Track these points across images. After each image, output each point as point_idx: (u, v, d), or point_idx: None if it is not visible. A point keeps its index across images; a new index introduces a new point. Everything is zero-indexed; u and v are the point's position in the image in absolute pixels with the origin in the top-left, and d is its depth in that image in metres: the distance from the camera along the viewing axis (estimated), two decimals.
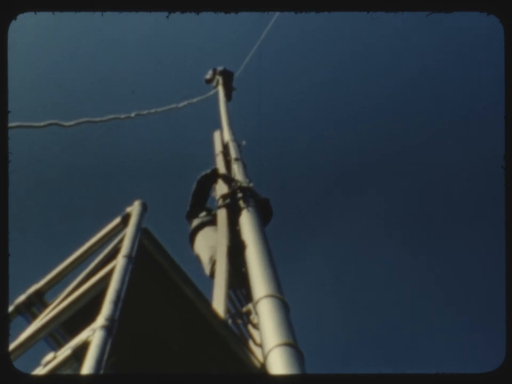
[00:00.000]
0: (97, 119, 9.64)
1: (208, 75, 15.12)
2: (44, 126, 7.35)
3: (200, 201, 8.01)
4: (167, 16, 4.33)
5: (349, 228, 19.52)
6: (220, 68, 15.04)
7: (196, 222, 7.64)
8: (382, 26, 19.43)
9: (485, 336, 16.40)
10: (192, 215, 7.84)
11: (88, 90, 20.53)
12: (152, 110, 11.98)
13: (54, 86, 20.29)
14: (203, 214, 7.73)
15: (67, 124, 8.18)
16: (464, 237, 18.71)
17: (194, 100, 13.96)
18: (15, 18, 3.89)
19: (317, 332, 15.41)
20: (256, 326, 5.22)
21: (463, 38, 20.32)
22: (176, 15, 4.34)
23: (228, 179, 8.16)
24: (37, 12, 4.00)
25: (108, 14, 4.22)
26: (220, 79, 14.63)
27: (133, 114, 11.18)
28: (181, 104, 13.33)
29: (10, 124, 3.90)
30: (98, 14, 4.22)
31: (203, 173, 8.31)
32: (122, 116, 10.90)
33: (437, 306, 17.83)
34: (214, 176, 8.29)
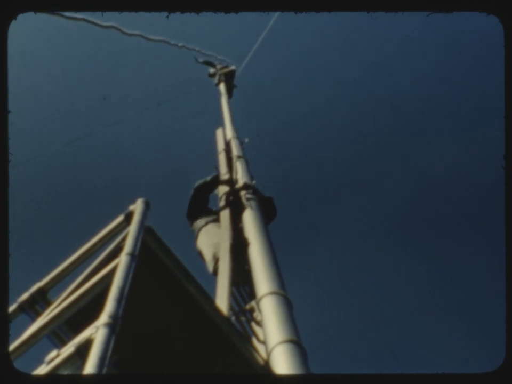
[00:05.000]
0: (151, 37, 10.96)
1: (212, 70, 15.14)
2: (106, 27, 7.68)
3: (199, 208, 7.92)
4: (167, 16, 4.35)
5: (353, 226, 19.52)
6: (218, 67, 15.04)
7: (200, 222, 7.62)
8: (382, 26, 19.42)
9: (485, 336, 16.40)
10: (193, 218, 7.81)
11: (87, 91, 20.53)
12: (197, 48, 14.39)
13: (53, 86, 20.30)
14: (202, 218, 7.68)
15: (126, 31, 8.89)
16: (464, 237, 18.72)
17: (200, 60, 15.15)
18: (15, 18, 3.90)
19: (320, 329, 15.42)
20: (259, 323, 5.24)
21: (463, 38, 20.31)
22: (176, 15, 4.35)
23: (230, 182, 8.09)
24: (37, 12, 4.01)
25: (107, 14, 4.23)
26: (221, 76, 14.61)
27: (180, 44, 13.47)
28: (219, 56, 15.05)
29: (77, 15, 4.00)
30: (98, 14, 4.23)
31: (201, 181, 8.20)
32: (172, 42, 12.99)
33: (437, 307, 17.83)
34: (214, 183, 8.19)
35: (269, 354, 4.53)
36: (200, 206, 7.94)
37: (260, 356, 4.38)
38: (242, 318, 5.54)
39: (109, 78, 21.59)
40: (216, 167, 9.24)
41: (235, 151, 9.50)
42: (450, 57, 20.78)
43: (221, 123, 11.19)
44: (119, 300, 3.06)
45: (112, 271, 3.44)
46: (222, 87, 13.94)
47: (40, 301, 4.11)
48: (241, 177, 8.33)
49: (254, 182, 8.06)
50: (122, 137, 18.65)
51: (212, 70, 14.91)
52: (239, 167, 8.77)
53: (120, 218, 4.25)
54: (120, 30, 8.74)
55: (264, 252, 6.15)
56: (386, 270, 18.46)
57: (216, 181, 8.20)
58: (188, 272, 4.20)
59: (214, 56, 14.84)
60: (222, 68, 14.75)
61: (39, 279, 4.22)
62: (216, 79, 14.62)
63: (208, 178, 8.27)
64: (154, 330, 4.16)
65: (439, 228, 19.23)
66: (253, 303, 5.60)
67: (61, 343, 3.62)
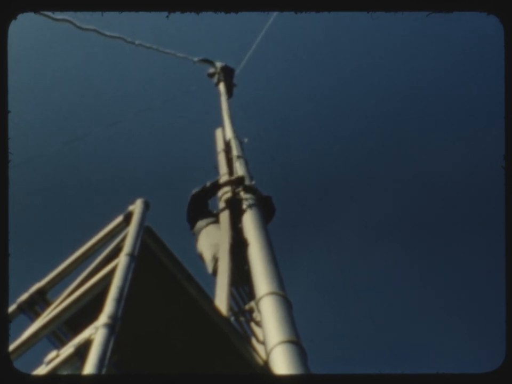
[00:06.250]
0: (107, 33, 10.64)
1: (211, 69, 15.11)
2: (59, 20, 7.54)
3: (198, 213, 7.85)
4: (167, 16, 4.35)
5: (353, 226, 19.53)
6: (218, 64, 15.00)
7: (201, 223, 7.60)
8: (382, 26, 19.44)
9: (485, 336, 16.40)
10: (193, 221, 7.79)
11: (87, 91, 20.55)
12: (154, 46, 13.40)
13: (53, 86, 20.32)
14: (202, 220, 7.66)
15: (79, 25, 8.63)
16: (464, 237, 18.72)
17: (196, 59, 14.76)
18: (15, 18, 3.90)
19: (320, 329, 15.42)
20: (258, 324, 5.24)
21: (463, 38, 20.32)
22: (176, 15, 4.35)
23: (230, 182, 8.04)
24: (37, 12, 4.01)
25: (107, 14, 4.23)
26: (220, 75, 14.57)
27: (137, 42, 12.64)
28: (179, 55, 14.57)
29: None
30: (98, 14, 4.23)
31: (199, 188, 8.07)
32: (128, 39, 12.28)
33: (437, 307, 17.83)
34: (214, 189, 8.06)
35: (268, 354, 4.53)
36: (200, 210, 7.88)
37: (259, 356, 4.39)
38: (242, 318, 5.54)
39: (109, 78, 21.60)
40: (216, 167, 9.23)
41: (234, 151, 9.49)
42: (450, 57, 20.80)
43: (220, 123, 11.18)
44: (118, 300, 3.06)
45: (112, 272, 3.44)
46: (221, 86, 13.92)
47: (39, 301, 4.11)
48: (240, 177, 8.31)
49: (253, 182, 8.06)
50: (122, 137, 18.65)
51: (211, 70, 14.89)
52: (238, 167, 8.77)
53: (119, 218, 4.24)
54: (74, 24, 8.60)
55: (264, 252, 6.15)
56: (386, 269, 18.47)
57: (215, 187, 8.09)
58: (187, 272, 4.20)
59: (173, 54, 14.56)
60: (221, 68, 14.72)
61: (38, 279, 4.22)
62: (215, 79, 14.60)
63: (208, 184, 8.15)
64: (153, 331, 4.16)
65: (439, 227, 19.24)
66: (253, 304, 5.59)
67: (61, 343, 3.62)
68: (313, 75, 21.90)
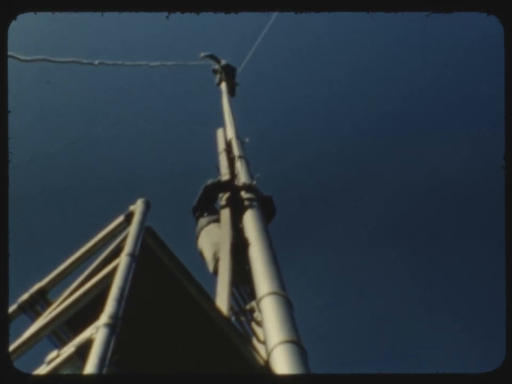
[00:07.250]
0: (57, 59, 9.57)
1: (216, 66, 15.08)
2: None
3: (206, 205, 7.85)
4: (167, 16, 4.35)
5: (354, 226, 19.52)
6: (222, 63, 14.94)
7: (202, 222, 7.59)
8: (382, 26, 19.44)
9: (485, 336, 16.39)
10: (198, 212, 7.77)
11: (87, 91, 20.55)
12: (119, 62, 12.03)
13: (53, 86, 20.32)
14: (206, 214, 7.65)
15: (24, 58, 8.06)
16: (464, 237, 18.72)
17: (169, 63, 14.15)
18: (15, 18, 3.90)
19: (320, 329, 15.43)
20: (259, 324, 5.23)
21: (463, 38, 20.32)
22: (176, 15, 4.35)
23: (231, 182, 8.02)
24: (37, 12, 4.02)
25: (107, 14, 4.24)
26: (222, 74, 14.54)
27: (96, 62, 11.14)
28: (153, 64, 13.48)
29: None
30: (98, 14, 4.23)
31: (214, 181, 8.06)
32: (84, 61, 10.84)
33: (437, 306, 17.83)
34: (225, 187, 8.03)
35: (269, 354, 4.52)
36: (208, 203, 7.87)
37: (260, 356, 4.39)
38: (243, 318, 5.53)
39: (110, 77, 21.59)
40: (217, 167, 9.22)
41: (236, 151, 9.48)
42: (450, 57, 20.79)
43: (221, 123, 11.17)
44: (119, 300, 3.07)
45: (113, 272, 3.45)
46: (223, 86, 13.90)
47: (40, 301, 4.12)
48: (241, 177, 8.31)
49: (254, 182, 8.04)
50: (123, 137, 18.65)
51: (216, 66, 14.87)
52: (239, 167, 8.76)
53: (120, 218, 4.25)
54: (17, 58, 8.19)
55: (265, 252, 6.15)
56: (386, 269, 18.46)
57: (227, 185, 8.03)
58: (188, 272, 4.21)
59: (145, 65, 13.67)
60: (223, 66, 14.68)
61: (39, 279, 4.23)
62: (217, 78, 14.58)
63: (222, 179, 8.14)
64: (154, 331, 4.16)
65: (439, 227, 19.23)
66: (253, 303, 5.58)
67: (61, 343, 3.62)
68: (314, 75, 21.91)
